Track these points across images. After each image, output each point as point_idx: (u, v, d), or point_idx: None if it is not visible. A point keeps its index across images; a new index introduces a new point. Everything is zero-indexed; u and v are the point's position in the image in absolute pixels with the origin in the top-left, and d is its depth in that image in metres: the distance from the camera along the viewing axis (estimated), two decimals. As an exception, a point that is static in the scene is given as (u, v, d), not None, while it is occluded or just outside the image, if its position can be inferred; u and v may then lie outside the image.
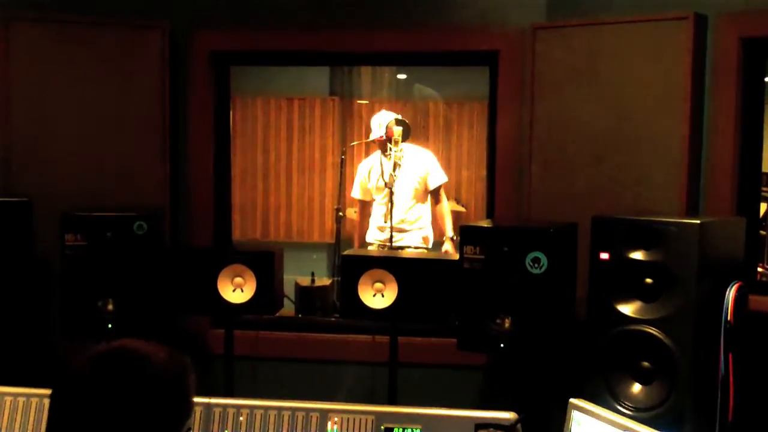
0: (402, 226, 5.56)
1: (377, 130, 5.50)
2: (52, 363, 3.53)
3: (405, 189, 5.51)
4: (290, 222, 8.00)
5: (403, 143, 5.24)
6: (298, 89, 7.82)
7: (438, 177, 5.67)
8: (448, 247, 5.63)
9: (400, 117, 5.52)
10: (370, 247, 5.64)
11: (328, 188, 7.89)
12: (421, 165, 5.59)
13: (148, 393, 1.63)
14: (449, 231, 5.69)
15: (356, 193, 5.82)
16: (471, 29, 3.93)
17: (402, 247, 5.56)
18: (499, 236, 3.19)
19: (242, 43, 4.13)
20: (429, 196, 5.68)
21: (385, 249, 5.31)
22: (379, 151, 5.41)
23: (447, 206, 5.82)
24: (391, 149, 5.15)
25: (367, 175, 5.69)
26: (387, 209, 5.23)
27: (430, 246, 5.74)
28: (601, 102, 3.66)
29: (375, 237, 5.65)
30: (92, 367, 1.64)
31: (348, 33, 4.04)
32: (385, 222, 5.37)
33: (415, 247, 5.62)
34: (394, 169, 5.13)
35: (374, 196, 5.65)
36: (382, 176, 5.23)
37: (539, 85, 3.77)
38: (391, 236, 5.28)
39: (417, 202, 5.61)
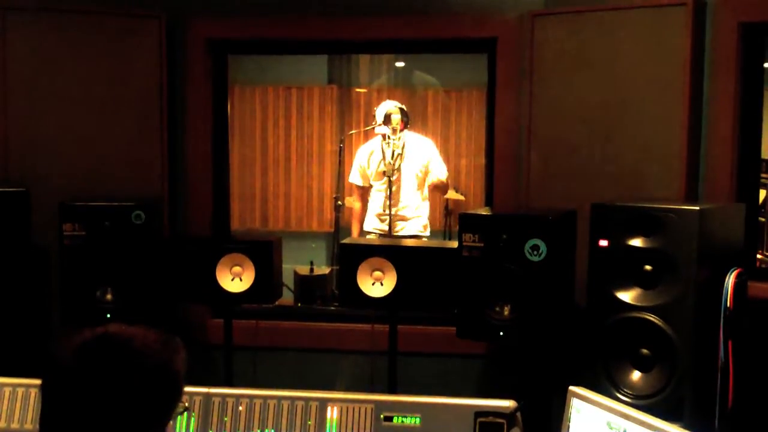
0: (404, 213, 5.53)
1: (379, 120, 5.42)
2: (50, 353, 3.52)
3: (408, 177, 5.47)
4: (289, 211, 7.99)
5: (405, 131, 5.27)
6: (296, 78, 7.79)
7: (440, 170, 5.62)
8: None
9: (402, 106, 5.45)
10: (369, 236, 5.60)
11: (326, 177, 7.88)
12: (423, 153, 5.55)
13: (134, 377, 1.62)
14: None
15: (355, 178, 5.71)
16: (469, 16, 3.91)
17: (404, 236, 5.52)
18: (498, 224, 3.18)
19: (240, 32, 4.12)
20: (427, 187, 5.64)
21: (386, 238, 5.28)
22: (380, 137, 5.37)
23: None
24: (390, 138, 5.14)
25: (366, 160, 5.61)
26: (386, 197, 5.21)
27: (428, 233, 5.72)
28: (599, 89, 3.64)
29: (374, 226, 5.60)
30: (76, 355, 1.63)
31: (346, 21, 4.02)
32: (384, 211, 5.34)
33: (415, 235, 5.58)
34: (393, 158, 5.11)
35: (372, 182, 5.61)
36: (384, 160, 5.19)
37: (538, 73, 3.76)
38: (390, 225, 5.26)
39: (418, 189, 5.58)
